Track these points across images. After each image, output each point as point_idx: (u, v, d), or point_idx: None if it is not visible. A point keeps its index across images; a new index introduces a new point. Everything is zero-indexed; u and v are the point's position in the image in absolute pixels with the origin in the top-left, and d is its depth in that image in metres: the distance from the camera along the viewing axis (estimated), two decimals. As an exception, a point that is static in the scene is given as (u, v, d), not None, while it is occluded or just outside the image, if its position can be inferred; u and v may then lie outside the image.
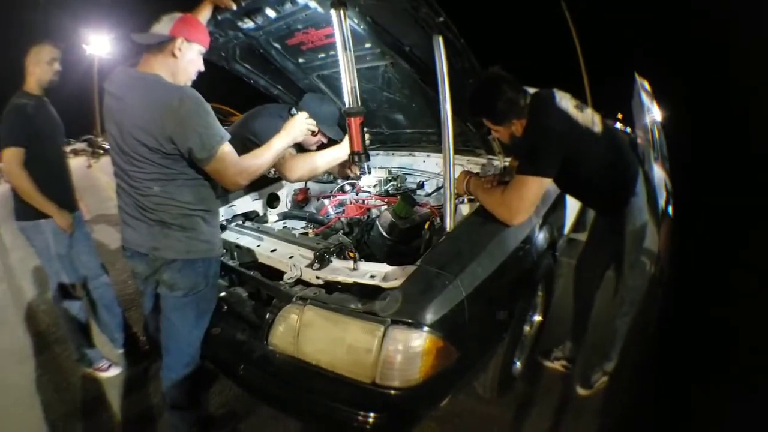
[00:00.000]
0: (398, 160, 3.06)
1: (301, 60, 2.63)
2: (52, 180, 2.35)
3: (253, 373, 1.77)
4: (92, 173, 11.83)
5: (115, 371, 2.61)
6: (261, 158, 1.83)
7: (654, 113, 4.52)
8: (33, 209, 2.30)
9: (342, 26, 1.77)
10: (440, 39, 1.77)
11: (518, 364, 2.40)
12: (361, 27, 2.10)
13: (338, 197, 2.51)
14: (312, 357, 1.66)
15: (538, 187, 1.91)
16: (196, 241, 1.75)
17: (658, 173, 4.16)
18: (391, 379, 1.54)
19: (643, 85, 4.51)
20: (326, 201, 2.46)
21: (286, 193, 2.88)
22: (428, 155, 2.96)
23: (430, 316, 1.55)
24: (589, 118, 2.02)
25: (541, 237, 2.24)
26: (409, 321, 1.54)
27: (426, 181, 2.77)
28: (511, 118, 1.96)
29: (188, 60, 1.70)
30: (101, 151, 17.26)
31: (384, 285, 1.70)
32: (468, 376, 1.88)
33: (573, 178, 2.07)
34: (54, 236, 2.37)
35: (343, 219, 2.31)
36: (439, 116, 2.35)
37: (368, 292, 1.73)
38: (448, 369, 1.62)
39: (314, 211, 2.51)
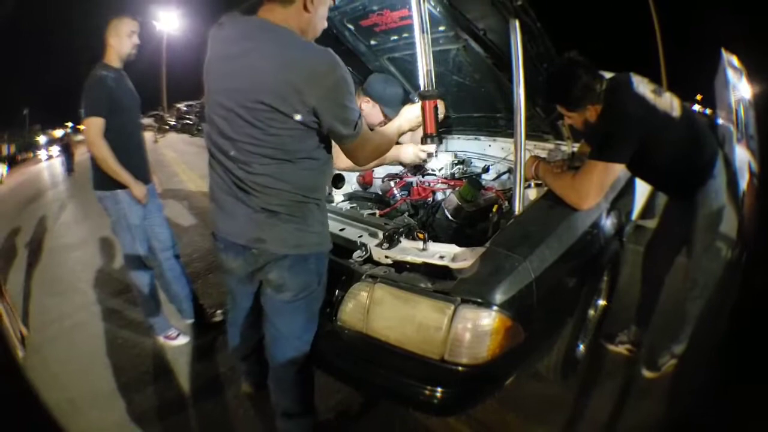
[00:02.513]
0: (463, 144, 3.07)
1: (373, 42, 2.66)
2: (129, 151, 2.41)
3: (323, 349, 1.81)
4: (159, 148, 11.94)
5: (183, 340, 2.71)
6: (389, 138, 1.76)
7: (741, 91, 4.29)
8: (111, 179, 2.35)
9: (420, 8, 1.80)
10: (517, 23, 1.77)
11: (581, 347, 2.38)
12: (437, 9, 2.11)
13: (404, 179, 2.54)
14: (381, 334, 1.71)
15: (610, 173, 1.90)
16: (307, 233, 1.54)
17: (742, 154, 3.97)
18: (459, 356, 1.58)
19: (731, 60, 4.27)
20: (392, 183, 2.50)
21: (351, 175, 2.89)
22: (494, 140, 2.95)
23: (499, 296, 1.57)
24: (668, 103, 1.97)
25: (608, 222, 2.21)
26: (479, 300, 1.57)
27: (491, 165, 2.76)
28: (586, 103, 1.94)
29: (320, 16, 1.48)
30: (167, 127, 17.57)
31: (453, 266, 1.73)
32: (534, 357, 1.91)
33: (648, 164, 2.04)
34: (129, 207, 2.43)
35: (408, 201, 2.34)
36: (508, 101, 2.36)
37: (437, 273, 1.76)
38: (515, 349, 1.64)
39: (380, 193, 2.55)
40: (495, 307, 1.56)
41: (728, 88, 4.15)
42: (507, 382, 1.79)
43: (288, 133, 1.39)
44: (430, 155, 2.32)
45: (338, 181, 2.53)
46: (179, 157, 10.11)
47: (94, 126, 2.26)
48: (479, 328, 1.57)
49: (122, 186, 2.38)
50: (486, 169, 2.72)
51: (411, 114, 1.88)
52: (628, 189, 2.57)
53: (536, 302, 1.68)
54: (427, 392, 1.59)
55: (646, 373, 2.36)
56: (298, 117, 1.36)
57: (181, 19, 25.80)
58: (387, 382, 1.69)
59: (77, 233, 5.19)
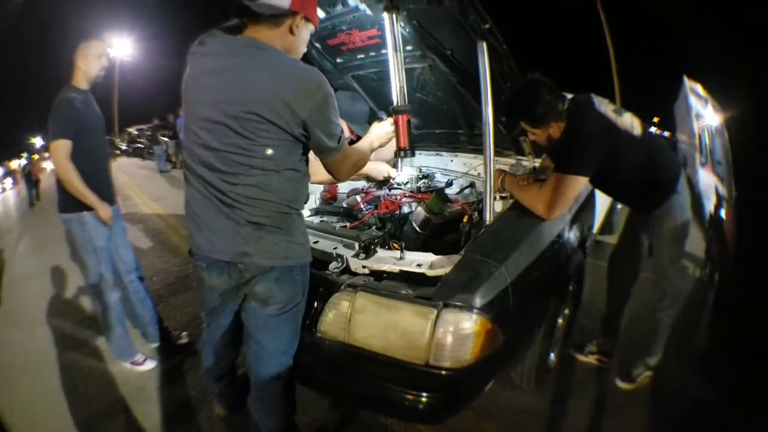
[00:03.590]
0: (426, 160, 3.14)
1: (339, 60, 2.73)
2: (94, 173, 2.39)
3: (304, 362, 1.78)
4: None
5: (150, 365, 2.64)
6: (365, 154, 1.81)
7: (706, 118, 4.53)
8: (76, 201, 2.33)
9: (393, 28, 1.87)
10: (484, 44, 1.87)
11: (552, 356, 2.45)
12: (407, 30, 2.21)
13: (372, 193, 2.58)
14: (364, 342, 1.72)
15: (575, 186, 2.00)
16: (293, 244, 1.56)
17: (706, 178, 4.22)
18: (443, 360, 1.61)
19: (695, 88, 4.55)
20: (358, 197, 2.53)
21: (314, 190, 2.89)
22: (456, 155, 3.04)
23: (479, 300, 1.62)
24: (628, 122, 2.10)
25: (572, 232, 2.32)
26: (461, 304, 1.61)
27: (454, 180, 2.85)
28: (549, 121, 2.04)
29: (303, 39, 1.53)
30: (118, 152, 17.50)
31: (430, 273, 1.78)
32: (511, 361, 1.95)
33: (610, 178, 2.16)
34: (95, 228, 2.41)
35: (375, 214, 2.38)
36: (470, 118, 2.46)
37: (414, 281, 1.79)
38: (495, 351, 1.68)
39: (345, 206, 2.57)
40: (476, 310, 1.61)
41: (690, 113, 4.45)
42: (487, 387, 1.82)
43: (277, 143, 1.41)
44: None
45: None
46: (131, 180, 10.00)
47: (61, 148, 2.25)
48: (462, 331, 1.60)
49: (88, 208, 2.36)
50: (450, 183, 2.80)
51: (381, 130, 1.96)
52: (589, 203, 2.71)
53: (512, 306, 1.74)
54: (413, 398, 1.60)
55: (622, 385, 2.43)
56: (289, 129, 1.39)
57: (134, 45, 25.31)
58: (372, 391, 1.69)
59: (36, 263, 5.01)
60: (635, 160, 2.10)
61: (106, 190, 2.45)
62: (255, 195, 1.45)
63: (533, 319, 2.03)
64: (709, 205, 3.98)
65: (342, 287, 1.81)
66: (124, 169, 11.40)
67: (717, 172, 4.37)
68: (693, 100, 4.53)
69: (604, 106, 2.09)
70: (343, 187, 2.72)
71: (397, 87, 1.98)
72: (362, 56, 2.59)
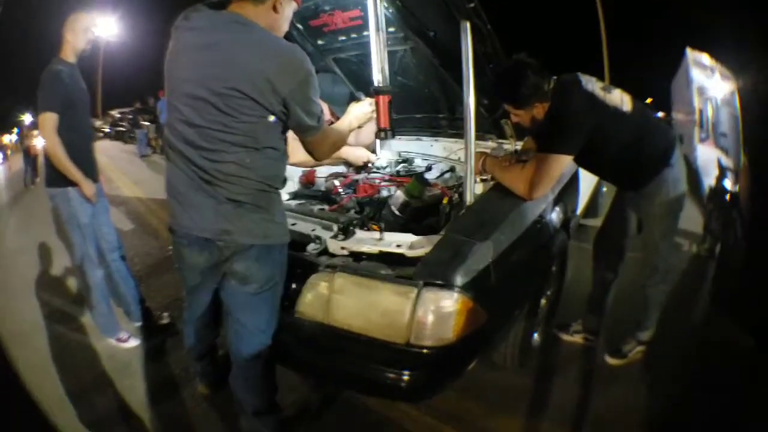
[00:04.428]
0: (406, 145, 3.11)
1: (320, 42, 2.70)
2: (79, 149, 2.39)
3: (284, 342, 1.78)
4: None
5: (134, 342, 2.65)
6: (344, 134, 1.83)
7: (710, 89, 4.39)
8: (62, 176, 2.33)
9: (376, 7, 1.85)
10: (468, 24, 1.86)
11: (536, 336, 2.46)
12: (390, 10, 2.18)
13: (350, 177, 2.57)
14: (344, 322, 1.71)
15: (559, 165, 1.98)
16: (273, 223, 1.57)
17: (706, 153, 4.12)
18: (425, 339, 1.60)
19: (698, 59, 4.43)
20: (336, 181, 2.52)
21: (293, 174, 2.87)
22: (436, 140, 3.01)
23: (460, 278, 1.61)
24: (618, 98, 2.06)
25: (555, 213, 2.32)
26: (441, 283, 1.60)
27: (434, 164, 2.84)
28: (533, 101, 2.01)
29: (286, 17, 1.55)
30: (101, 134, 17.01)
31: (410, 253, 1.77)
32: (494, 340, 1.94)
33: (598, 157, 2.13)
34: (79, 205, 2.41)
35: (354, 198, 2.36)
36: (451, 101, 2.45)
37: (394, 261, 1.78)
38: (477, 330, 1.68)
39: (324, 190, 2.57)
40: (457, 289, 1.60)
41: (690, 88, 4.35)
42: (470, 366, 1.82)
43: (258, 121, 1.42)
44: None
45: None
46: (113, 163, 9.93)
47: (49, 121, 2.25)
48: (443, 309, 1.60)
49: (73, 184, 2.36)
50: (429, 168, 2.79)
51: (360, 111, 1.97)
52: (572, 185, 2.70)
53: (494, 285, 1.74)
54: (394, 376, 1.60)
55: (611, 361, 2.43)
56: (270, 105, 1.41)
57: (119, 23, 24.83)
58: (352, 370, 1.70)
59: (26, 239, 4.96)
60: (624, 138, 2.07)
61: (89, 167, 2.45)
62: (235, 172, 1.45)
63: (516, 298, 2.02)
64: (710, 180, 3.93)
65: (320, 268, 1.80)
66: (107, 152, 11.32)
67: (721, 144, 4.25)
68: (695, 73, 4.41)
69: (592, 84, 2.06)
70: (322, 172, 2.71)
71: (378, 67, 1.96)
72: (344, 38, 2.57)
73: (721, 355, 2.37)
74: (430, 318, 1.59)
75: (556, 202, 2.35)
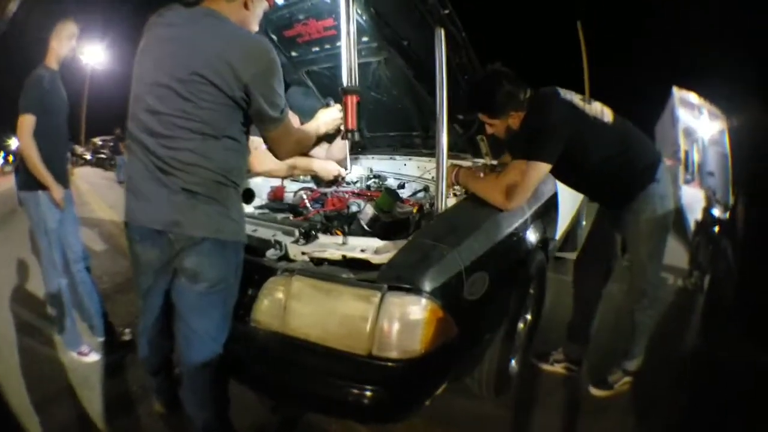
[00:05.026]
0: (378, 164, 3.03)
1: (294, 53, 2.66)
2: (53, 153, 2.41)
3: (235, 353, 1.61)
4: (73, 179, 11.61)
5: (95, 357, 2.61)
6: (309, 136, 1.80)
7: (697, 129, 4.40)
8: (34, 179, 2.35)
9: (349, 7, 1.82)
10: (442, 32, 1.82)
11: (514, 362, 2.30)
12: (363, 18, 2.16)
13: (318, 190, 2.47)
14: (300, 332, 1.56)
15: (536, 173, 1.89)
16: (227, 219, 1.48)
17: (691, 194, 4.15)
18: (389, 350, 1.45)
19: (685, 98, 4.46)
20: (304, 194, 2.42)
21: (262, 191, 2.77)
22: (409, 159, 2.93)
23: (429, 283, 1.48)
24: (598, 109, 2.01)
25: (532, 230, 2.20)
26: (408, 286, 1.46)
27: (406, 183, 2.76)
28: (509, 110, 1.96)
29: (257, 15, 1.56)
30: (83, 161, 17.53)
31: (375, 259, 1.64)
32: (467, 360, 1.79)
33: (579, 168, 2.04)
34: (48, 209, 2.42)
35: (321, 212, 2.25)
36: (425, 119, 2.40)
37: (357, 268, 1.66)
38: (448, 345, 1.53)
39: (291, 203, 2.47)
40: (425, 294, 1.47)
41: (676, 127, 4.37)
42: (440, 388, 1.66)
43: (217, 108, 1.40)
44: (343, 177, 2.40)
45: (249, 196, 2.45)
46: (92, 188, 9.99)
47: (26, 123, 2.29)
48: (409, 316, 1.46)
49: (44, 187, 2.39)
50: (402, 186, 2.71)
51: (328, 117, 1.96)
52: (552, 206, 2.62)
53: (467, 296, 1.61)
54: (355, 392, 1.44)
55: (596, 393, 2.26)
56: (231, 91, 1.38)
57: (106, 52, 25.08)
58: (309, 385, 1.53)
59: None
60: (606, 149, 1.98)
61: (61, 172, 2.47)
62: (191, 161, 1.40)
63: (491, 316, 1.88)
64: (695, 215, 3.95)
65: (279, 272, 1.66)
66: (87, 179, 11.29)
67: (708, 184, 4.28)
68: (681, 112, 4.45)
69: (570, 95, 2.00)
70: (291, 189, 2.61)
71: (347, 66, 1.89)
72: (317, 49, 2.53)
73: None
74: (395, 326, 1.45)
75: (534, 219, 2.24)
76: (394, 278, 1.49)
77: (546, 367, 2.48)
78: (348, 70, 1.89)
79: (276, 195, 2.57)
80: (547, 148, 1.89)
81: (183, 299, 1.53)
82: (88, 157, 18.57)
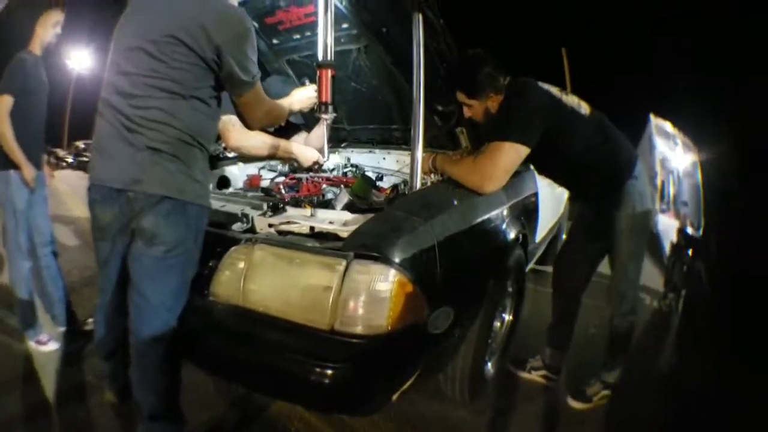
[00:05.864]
0: (357, 158, 2.98)
1: (275, 41, 2.63)
2: (27, 134, 2.41)
3: (189, 328, 1.50)
4: (53, 182, 11.84)
5: (54, 346, 2.57)
6: (281, 108, 1.79)
7: (672, 158, 4.47)
8: (6, 158, 2.36)
9: None
10: (420, 17, 1.79)
11: (490, 365, 2.18)
12: (343, 4, 2.14)
13: (293, 176, 2.40)
14: (260, 304, 1.45)
15: (513, 154, 1.82)
16: (190, 179, 1.43)
17: (666, 222, 4.22)
18: (353, 325, 1.35)
19: (662, 126, 4.52)
20: (279, 180, 2.36)
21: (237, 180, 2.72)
22: (389, 152, 2.89)
23: (399, 253, 1.38)
24: (575, 101, 1.99)
25: (511, 222, 2.12)
26: (376, 255, 1.36)
27: (384, 176, 2.72)
28: (488, 91, 1.93)
29: None
30: (64, 164, 18.09)
31: (343, 232, 1.56)
32: (438, 350, 1.64)
33: (559, 159, 2.00)
34: (17, 189, 2.42)
35: (296, 197, 2.17)
36: (405, 110, 2.37)
37: (325, 240, 1.57)
38: (418, 326, 1.44)
39: (265, 188, 2.39)
40: (395, 265, 1.36)
41: (653, 154, 4.41)
42: (410, 378, 1.51)
43: (188, 68, 1.39)
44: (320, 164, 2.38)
45: (223, 184, 2.43)
46: (71, 190, 9.89)
47: (3, 103, 2.32)
48: (376, 287, 1.35)
49: (16, 167, 2.39)
50: (380, 178, 2.67)
51: (302, 95, 1.99)
52: (532, 206, 2.57)
53: (439, 273, 1.51)
54: (316, 370, 1.30)
55: (574, 405, 2.15)
56: (203, 51, 1.38)
57: (92, 56, 25.19)
58: (266, 362, 1.40)
59: None
60: (587, 138, 1.94)
61: (35, 154, 2.48)
62: (158, 118, 1.38)
63: (466, 302, 1.75)
64: (670, 240, 4.04)
65: (242, 242, 1.56)
66: (68, 181, 11.10)
67: (682, 212, 4.38)
68: (658, 141, 4.52)
69: (548, 86, 1.98)
70: (268, 177, 2.56)
71: (323, 43, 1.87)
72: (298, 36, 2.50)
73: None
74: (360, 298, 1.35)
75: (513, 211, 2.17)
76: (361, 246, 1.39)
77: (523, 375, 2.37)
78: (323, 46, 1.88)
79: (252, 183, 2.52)
80: (525, 130, 1.83)
81: (138, 264, 1.44)
82: (70, 160, 19.01)
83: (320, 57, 1.88)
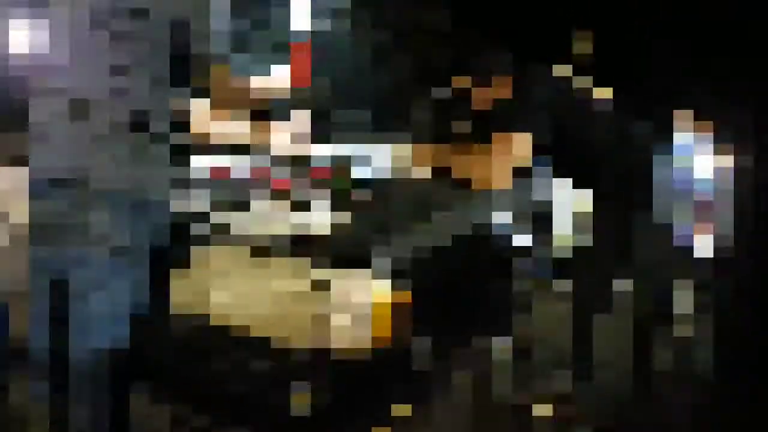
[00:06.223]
0: (341, 148, 2.90)
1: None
2: None
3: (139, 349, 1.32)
4: None
5: None
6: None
7: (700, 161, 4.55)
8: None
9: None
10: None
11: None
12: None
13: (270, 167, 2.31)
14: (221, 316, 1.30)
15: (525, 146, 1.71)
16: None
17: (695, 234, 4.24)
18: (334, 341, 1.23)
19: (690, 125, 4.58)
20: (251, 171, 2.27)
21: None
22: (378, 143, 2.82)
23: (387, 261, 1.31)
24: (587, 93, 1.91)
25: (518, 229, 1.98)
26: (361, 262, 1.29)
27: (373, 170, 2.64)
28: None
29: None
30: None
31: (324, 232, 1.44)
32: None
33: (566, 151, 1.89)
34: None
35: (271, 191, 2.07)
36: (398, 96, 2.25)
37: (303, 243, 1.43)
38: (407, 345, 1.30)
39: None
40: (382, 274, 1.28)
41: (679, 156, 4.44)
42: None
43: None
44: None
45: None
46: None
47: None
48: (361, 299, 1.26)
49: None
50: (368, 173, 2.58)
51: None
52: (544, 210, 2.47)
53: (434, 284, 1.38)
54: (288, 395, 1.20)
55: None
56: None
57: None
58: (230, 387, 1.25)
59: None
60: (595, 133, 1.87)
61: None
62: None
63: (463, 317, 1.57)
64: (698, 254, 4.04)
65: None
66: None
67: (711, 223, 4.45)
68: (685, 141, 4.56)
69: (559, 76, 1.90)
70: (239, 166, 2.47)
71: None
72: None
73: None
74: (343, 311, 1.25)
75: (521, 220, 2.05)
76: (344, 252, 1.30)
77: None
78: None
79: (219, 175, 2.41)
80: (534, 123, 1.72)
81: (83, 267, 1.30)
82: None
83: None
